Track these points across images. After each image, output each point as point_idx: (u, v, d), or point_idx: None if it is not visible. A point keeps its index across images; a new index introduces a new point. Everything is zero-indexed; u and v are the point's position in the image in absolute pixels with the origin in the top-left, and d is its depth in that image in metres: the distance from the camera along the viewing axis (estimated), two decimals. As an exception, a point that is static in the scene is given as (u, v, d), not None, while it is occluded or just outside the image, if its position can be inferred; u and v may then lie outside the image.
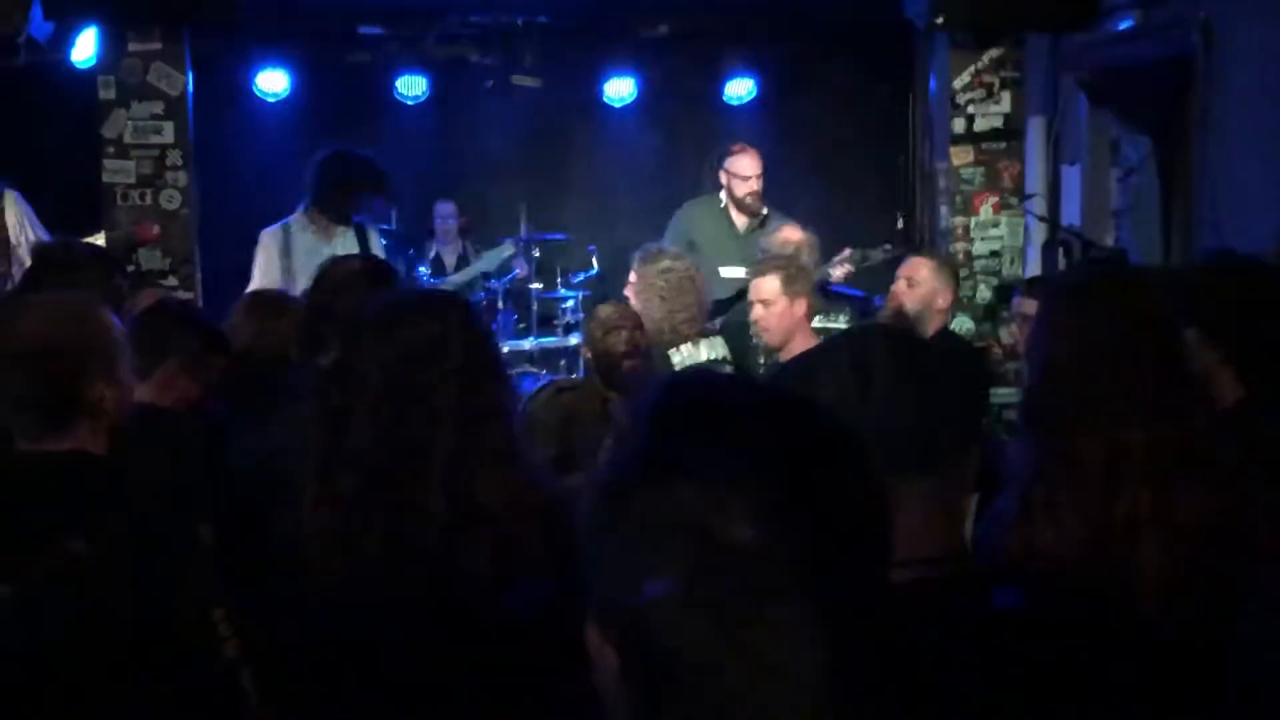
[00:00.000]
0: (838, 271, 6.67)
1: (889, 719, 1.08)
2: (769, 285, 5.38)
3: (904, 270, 5.65)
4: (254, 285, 6.32)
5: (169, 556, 2.51)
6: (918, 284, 5.52)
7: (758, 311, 5.39)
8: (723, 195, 7.61)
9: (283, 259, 6.42)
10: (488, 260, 8.85)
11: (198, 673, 2.52)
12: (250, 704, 2.59)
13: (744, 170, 7.47)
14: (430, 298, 2.95)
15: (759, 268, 5.57)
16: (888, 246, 7.17)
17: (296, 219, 6.37)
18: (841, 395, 1.63)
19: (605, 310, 4.94)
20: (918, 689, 1.31)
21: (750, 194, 7.41)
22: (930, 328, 5.41)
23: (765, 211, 7.41)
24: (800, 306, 5.36)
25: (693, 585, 0.99)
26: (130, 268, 6.61)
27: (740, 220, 7.46)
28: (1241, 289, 3.03)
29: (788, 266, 5.51)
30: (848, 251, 6.82)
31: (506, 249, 8.86)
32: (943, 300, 5.55)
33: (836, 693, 1.01)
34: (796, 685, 1.00)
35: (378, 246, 6.84)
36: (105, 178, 6.70)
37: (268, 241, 6.51)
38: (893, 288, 5.70)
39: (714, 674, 0.99)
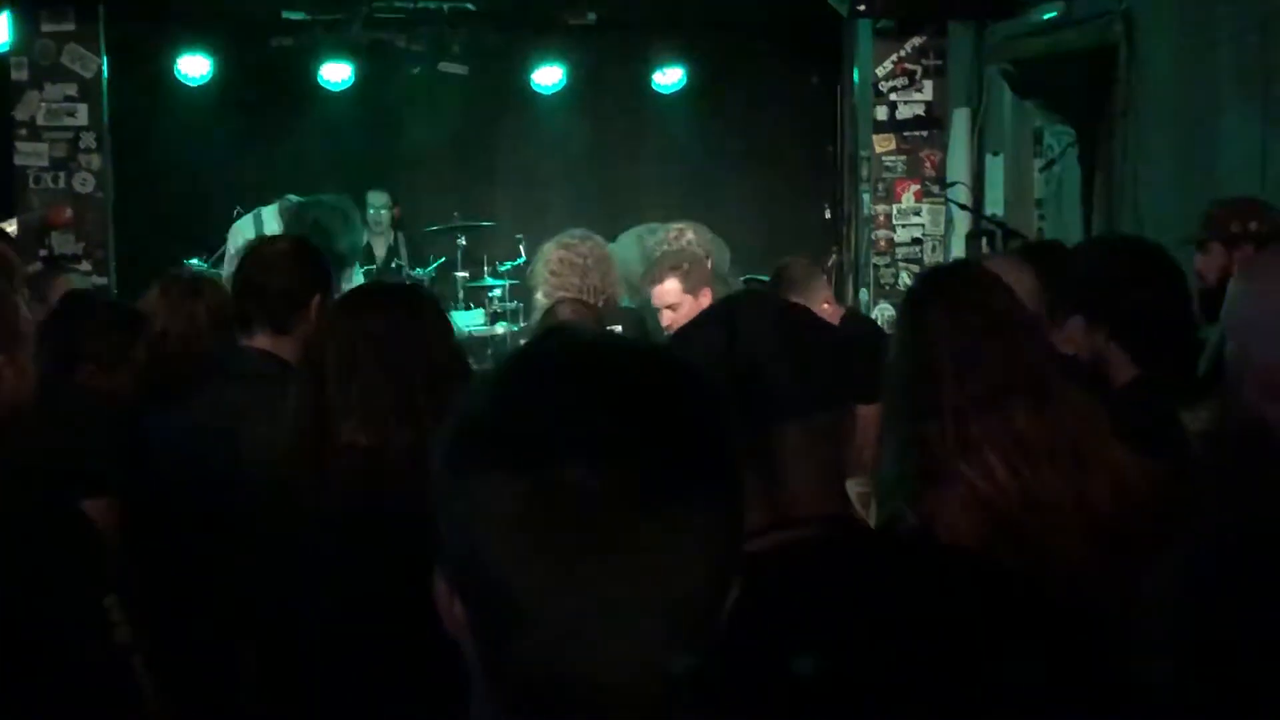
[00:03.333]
0: None
1: (730, 659, 1.06)
2: (670, 288, 5.33)
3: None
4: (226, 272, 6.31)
5: (56, 541, 2.45)
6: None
7: (667, 317, 5.34)
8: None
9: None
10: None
11: (82, 660, 2.46)
12: (143, 693, 2.54)
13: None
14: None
15: (654, 275, 5.50)
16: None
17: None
18: (710, 349, 1.63)
19: (562, 312, 4.80)
20: (764, 634, 1.29)
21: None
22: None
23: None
24: (705, 297, 5.31)
25: (527, 524, 0.98)
26: (43, 251, 6.51)
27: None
28: (1112, 266, 3.06)
29: (680, 264, 5.47)
30: None
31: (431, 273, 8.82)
32: (827, 306, 5.40)
33: (676, 632, 1.00)
34: (636, 623, 0.99)
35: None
36: (17, 160, 6.59)
37: (239, 229, 6.45)
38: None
39: (554, 614, 0.98)
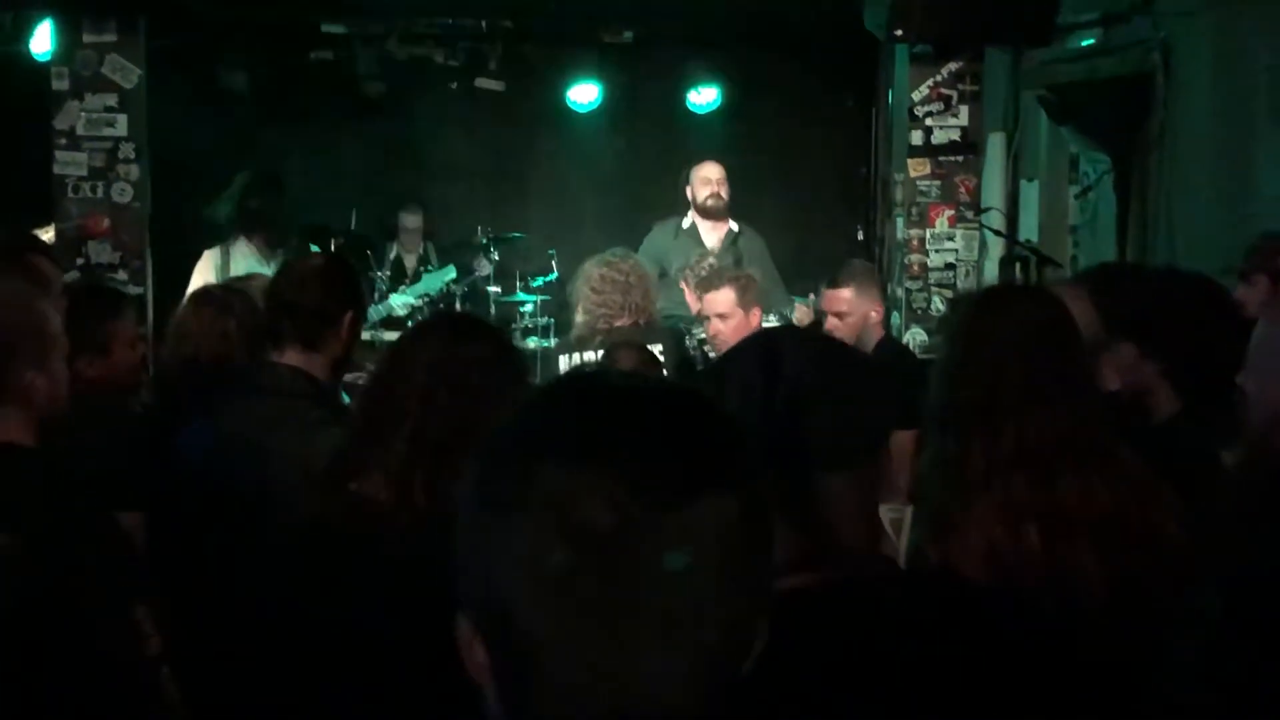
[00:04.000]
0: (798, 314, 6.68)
1: (752, 711, 1.06)
2: (724, 298, 5.37)
3: (828, 306, 5.47)
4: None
5: (94, 551, 2.47)
6: (848, 314, 5.38)
7: (715, 325, 5.37)
8: (689, 215, 7.63)
9: (221, 275, 6.40)
10: (428, 282, 8.71)
11: (116, 671, 2.48)
12: (170, 702, 2.56)
13: (705, 173, 7.51)
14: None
15: (711, 281, 5.55)
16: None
17: (236, 242, 6.43)
18: (748, 389, 1.62)
19: (625, 360, 4.76)
20: (787, 683, 1.29)
21: (711, 195, 7.44)
22: (872, 341, 5.34)
23: (735, 227, 7.44)
24: (755, 317, 5.36)
25: (548, 569, 0.98)
26: (80, 260, 6.56)
27: (710, 236, 7.46)
28: (1175, 301, 3.03)
29: (740, 278, 5.50)
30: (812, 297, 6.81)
31: (449, 273, 8.77)
32: (875, 313, 5.44)
33: (699, 673, 1.00)
34: (658, 667, 0.98)
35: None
36: (56, 169, 6.64)
37: (206, 259, 6.50)
38: (825, 325, 5.55)
39: (575, 658, 0.98)
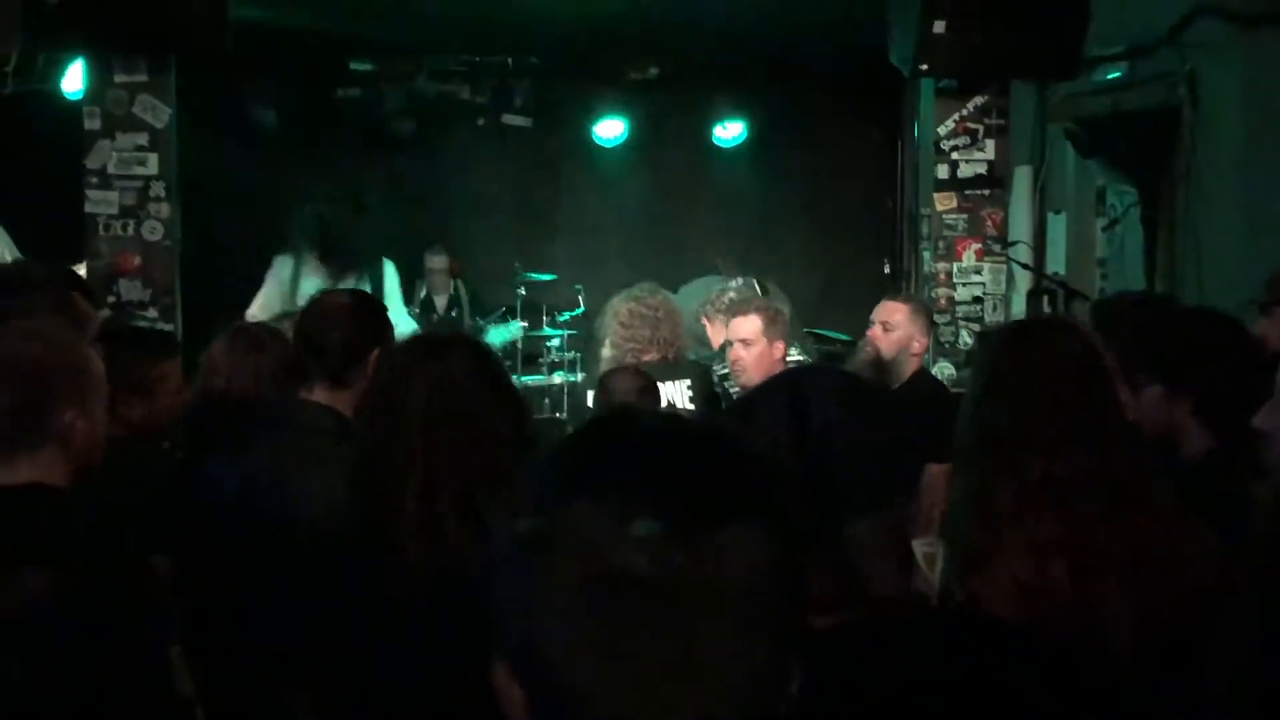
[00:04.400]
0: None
1: None
2: (750, 325, 5.37)
3: (879, 315, 5.57)
4: (253, 307, 6.40)
5: (128, 593, 2.48)
6: (893, 328, 5.46)
7: (737, 351, 5.37)
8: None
9: (289, 285, 6.48)
10: (494, 336, 8.77)
11: (150, 712, 2.48)
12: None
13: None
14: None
15: (740, 308, 5.56)
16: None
17: (308, 258, 6.53)
18: (777, 434, 1.62)
19: (622, 383, 4.77)
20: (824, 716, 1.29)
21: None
22: (906, 371, 5.36)
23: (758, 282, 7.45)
24: (779, 350, 5.36)
25: (586, 612, 0.98)
26: (111, 298, 6.60)
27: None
28: (1203, 339, 3.01)
29: (769, 308, 5.51)
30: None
31: (515, 329, 8.84)
32: (918, 344, 5.48)
33: (734, 716, 0.99)
34: (693, 709, 0.98)
35: (395, 284, 6.88)
36: (88, 208, 6.68)
37: (280, 266, 6.59)
38: (868, 332, 5.64)
39: (612, 699, 0.98)
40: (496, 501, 2.36)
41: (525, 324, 9.35)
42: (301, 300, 6.32)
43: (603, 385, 4.77)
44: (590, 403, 5.42)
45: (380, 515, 2.49)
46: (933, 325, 5.86)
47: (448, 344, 2.68)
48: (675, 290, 7.27)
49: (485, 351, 2.75)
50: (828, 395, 1.68)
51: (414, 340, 2.90)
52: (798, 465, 1.57)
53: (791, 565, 1.05)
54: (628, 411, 1.19)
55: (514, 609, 1.03)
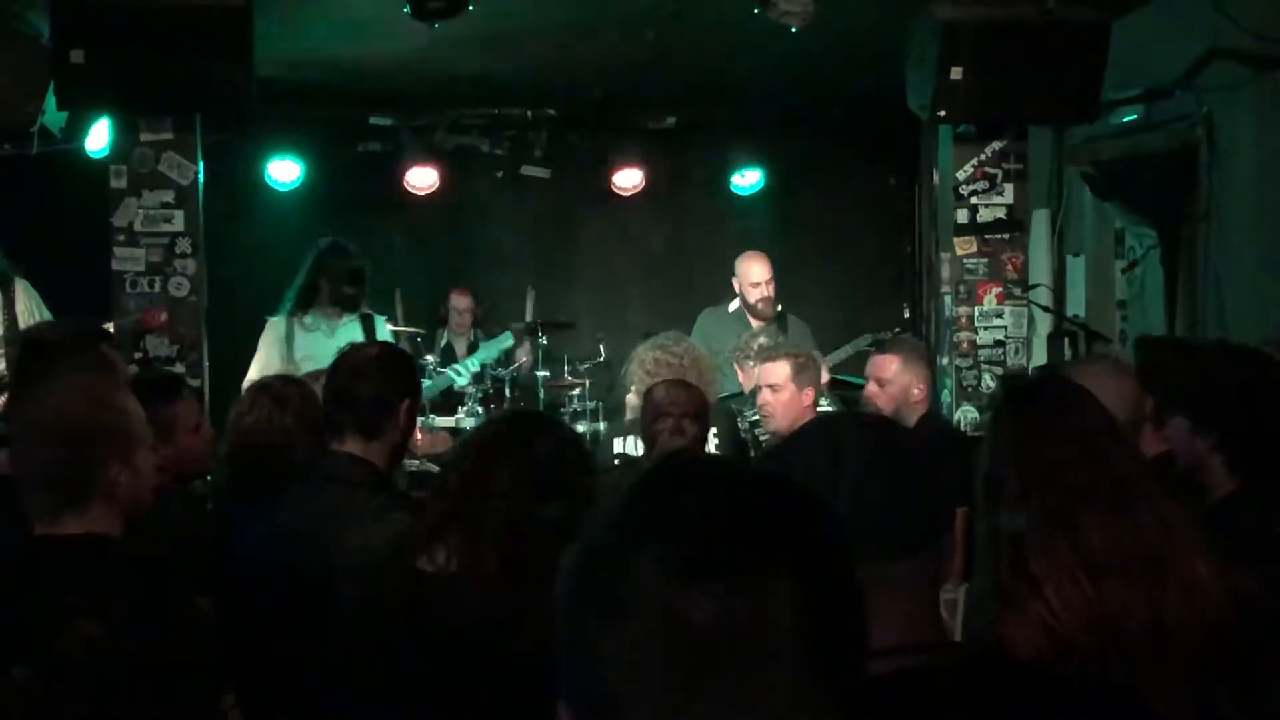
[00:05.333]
0: None
1: None
2: (780, 370, 5.40)
3: (871, 371, 5.52)
4: (252, 371, 6.43)
5: (183, 640, 2.50)
6: (888, 382, 5.42)
7: (765, 396, 5.40)
8: (736, 301, 7.78)
9: (284, 345, 6.52)
10: (486, 350, 8.88)
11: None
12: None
13: (752, 276, 7.65)
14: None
15: (770, 353, 5.59)
16: (899, 330, 7.24)
17: (297, 312, 6.58)
18: (813, 480, 1.63)
19: (659, 393, 4.82)
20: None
21: (761, 299, 7.59)
22: (912, 419, 5.33)
23: (780, 308, 7.56)
24: (808, 396, 5.38)
25: (648, 662, 0.99)
26: (138, 354, 6.65)
27: (755, 323, 7.57)
28: (1230, 376, 3.01)
29: (799, 355, 5.53)
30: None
31: (505, 340, 8.89)
32: (918, 391, 5.44)
33: None
34: None
35: (385, 334, 6.91)
36: (115, 265, 6.74)
37: (270, 329, 6.64)
38: (864, 391, 5.60)
39: None
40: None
41: (547, 374, 9.37)
42: (299, 357, 6.42)
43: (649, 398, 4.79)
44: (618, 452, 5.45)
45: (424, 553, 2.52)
46: (929, 364, 5.83)
47: (536, 426, 2.73)
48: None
49: (572, 438, 2.78)
50: (863, 442, 1.69)
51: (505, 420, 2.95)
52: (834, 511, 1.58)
53: (849, 613, 1.06)
54: (688, 458, 1.20)
55: (577, 659, 1.04)
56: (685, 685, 0.99)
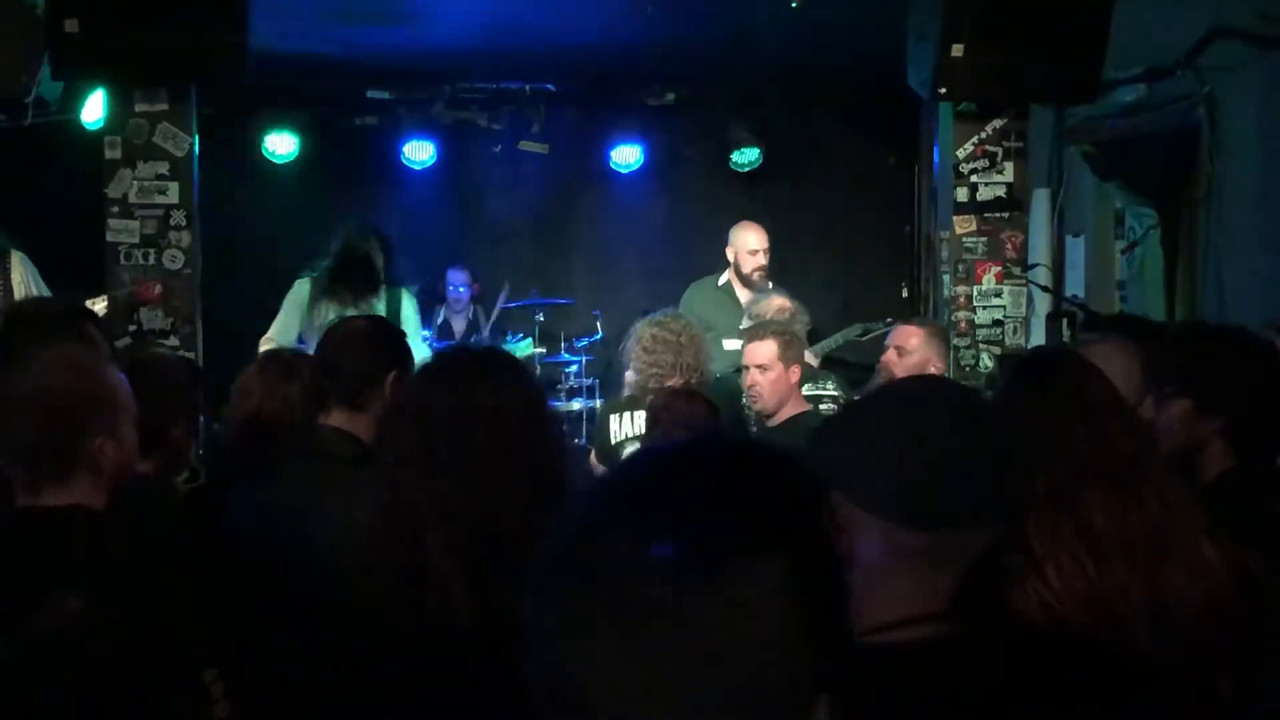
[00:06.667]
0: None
1: None
2: (766, 350, 5.38)
3: (894, 339, 5.61)
4: (272, 328, 6.44)
5: (164, 616, 2.48)
6: (909, 353, 5.48)
7: (753, 376, 5.39)
8: (726, 274, 7.74)
9: (305, 310, 6.51)
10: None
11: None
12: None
13: (750, 244, 7.64)
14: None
15: (755, 332, 5.58)
16: (890, 320, 7.26)
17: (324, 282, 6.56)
18: (881, 442, 1.62)
19: (655, 403, 4.82)
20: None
21: (757, 269, 7.57)
22: None
23: (770, 286, 7.53)
24: (795, 373, 5.38)
25: (611, 638, 0.98)
26: (132, 327, 6.62)
27: (744, 295, 7.56)
28: (1236, 361, 2.99)
29: (784, 333, 5.52)
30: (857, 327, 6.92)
31: (526, 347, 8.88)
32: (935, 368, 5.50)
33: None
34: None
35: (410, 308, 6.88)
36: (109, 237, 6.70)
37: (296, 290, 6.62)
38: (883, 357, 5.67)
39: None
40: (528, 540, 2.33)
41: (543, 350, 9.36)
42: (320, 323, 6.37)
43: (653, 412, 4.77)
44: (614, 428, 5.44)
45: (405, 553, 2.47)
46: (949, 347, 5.87)
47: (485, 368, 2.57)
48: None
49: (526, 376, 2.66)
50: (942, 406, 1.67)
51: (447, 358, 2.73)
52: (906, 477, 1.56)
53: (818, 589, 1.04)
54: (661, 448, 1.17)
55: (541, 636, 1.03)
56: (645, 663, 0.97)
